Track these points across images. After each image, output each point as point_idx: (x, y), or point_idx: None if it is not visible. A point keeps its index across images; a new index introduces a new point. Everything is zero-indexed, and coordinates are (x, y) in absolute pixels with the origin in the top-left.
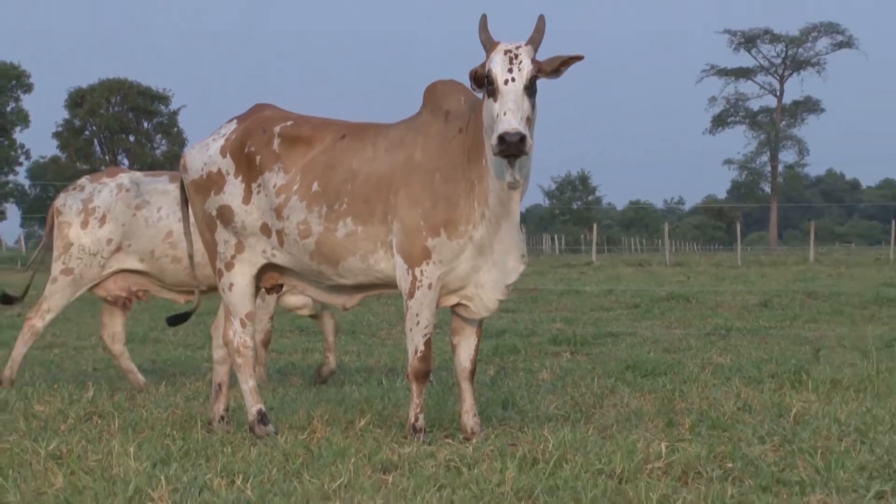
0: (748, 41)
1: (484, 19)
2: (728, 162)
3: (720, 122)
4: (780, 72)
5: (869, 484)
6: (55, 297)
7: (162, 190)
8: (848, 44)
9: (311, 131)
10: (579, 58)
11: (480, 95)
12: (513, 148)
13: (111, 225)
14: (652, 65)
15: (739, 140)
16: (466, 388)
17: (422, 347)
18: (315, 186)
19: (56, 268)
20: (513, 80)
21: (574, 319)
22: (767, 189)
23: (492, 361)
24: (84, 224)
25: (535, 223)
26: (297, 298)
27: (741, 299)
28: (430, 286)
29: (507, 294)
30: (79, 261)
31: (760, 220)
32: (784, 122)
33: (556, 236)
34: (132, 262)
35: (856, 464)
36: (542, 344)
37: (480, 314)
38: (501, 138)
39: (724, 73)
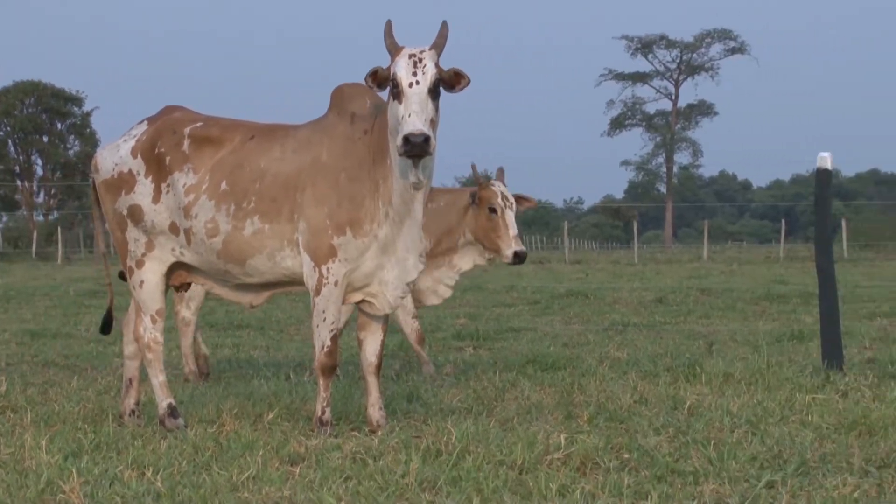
0: (645, 47)
1: (389, 25)
2: (625, 163)
3: (618, 124)
4: (675, 76)
5: (760, 474)
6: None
7: None
8: (740, 50)
9: (221, 132)
10: (468, 81)
11: (385, 96)
12: (417, 149)
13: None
14: (553, 69)
15: (636, 142)
16: (372, 382)
17: (328, 343)
18: (223, 185)
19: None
20: (417, 83)
21: (477, 315)
22: (663, 189)
23: (397, 356)
24: None
25: None
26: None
27: (637, 296)
28: (335, 283)
29: (407, 291)
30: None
31: (656, 219)
32: (679, 125)
33: None
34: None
35: (747, 454)
36: (446, 339)
37: (384, 310)
38: (406, 139)
39: (621, 77)
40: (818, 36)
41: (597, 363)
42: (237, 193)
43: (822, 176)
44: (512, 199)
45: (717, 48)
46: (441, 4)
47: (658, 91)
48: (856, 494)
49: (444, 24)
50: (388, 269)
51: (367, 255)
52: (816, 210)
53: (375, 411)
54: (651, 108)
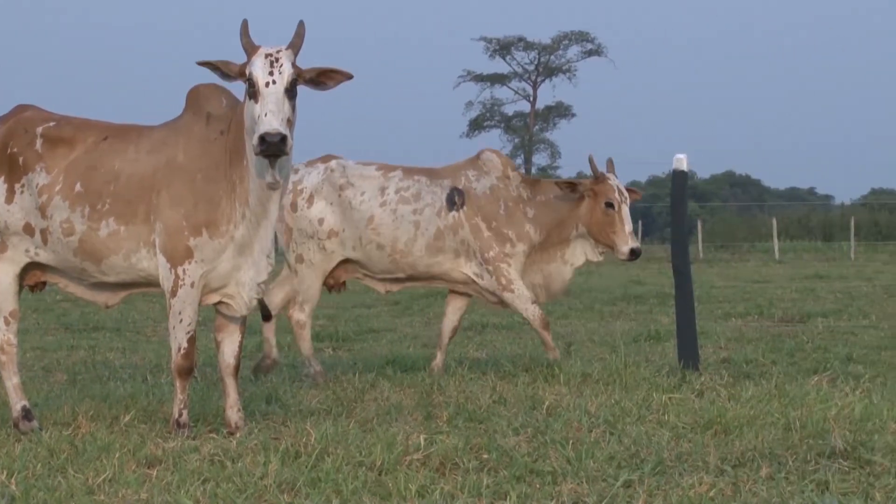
0: (503, 48)
1: (245, 24)
2: None
3: (477, 126)
4: (533, 78)
5: (617, 473)
6: (302, 286)
7: (368, 175)
8: (597, 52)
9: (74, 132)
10: (347, 76)
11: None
12: (273, 148)
13: (320, 205)
14: (411, 70)
15: (495, 143)
16: (230, 383)
17: (185, 344)
18: (78, 187)
19: (290, 257)
20: (273, 82)
21: (336, 316)
22: None
23: (255, 357)
24: (294, 207)
25: None
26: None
27: None
28: (192, 285)
29: (260, 292)
30: (303, 245)
31: None
32: (537, 127)
33: None
34: (348, 252)
35: (605, 454)
36: None
37: (241, 311)
38: (262, 138)
39: (480, 78)
40: (673, 38)
41: (456, 364)
42: (91, 195)
43: (678, 177)
44: (626, 194)
45: (574, 50)
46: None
47: (516, 92)
48: (711, 493)
49: (301, 24)
50: (244, 269)
51: (224, 256)
52: (672, 211)
53: (234, 413)
54: (510, 110)
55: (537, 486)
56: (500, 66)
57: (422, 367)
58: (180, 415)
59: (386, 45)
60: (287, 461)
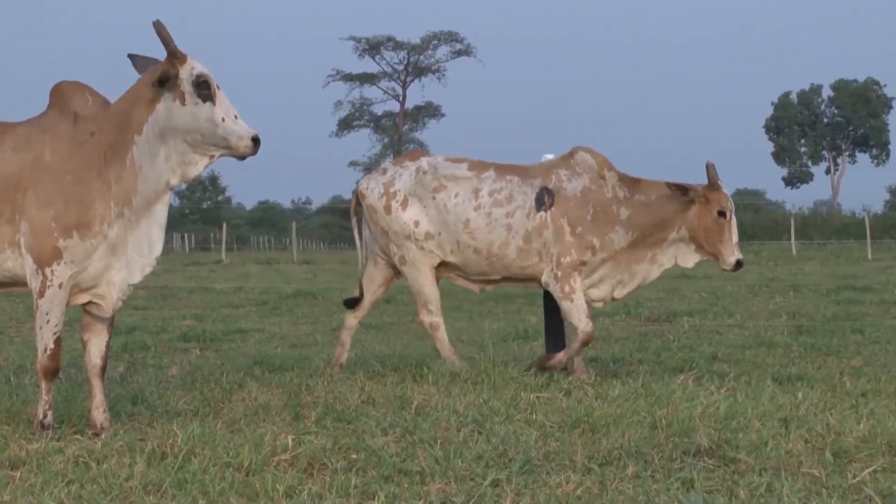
0: (372, 48)
1: (163, 26)
2: (353, 164)
3: (346, 125)
4: (402, 78)
5: (486, 472)
6: (416, 286)
7: (460, 175)
8: (466, 52)
9: None
10: None
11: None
12: (259, 146)
13: (414, 208)
14: (280, 68)
15: (364, 143)
16: (97, 384)
17: (51, 345)
18: None
19: (394, 260)
20: (219, 86)
21: (204, 316)
22: None
23: (122, 358)
24: (387, 209)
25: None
26: (599, 291)
27: None
28: (60, 286)
29: (128, 293)
30: (402, 247)
31: None
32: (407, 126)
33: (185, 235)
34: (446, 255)
35: (473, 453)
36: (172, 340)
37: (110, 312)
38: (256, 140)
39: (349, 78)
40: (541, 38)
41: (325, 364)
42: None
43: None
44: (733, 205)
45: (443, 50)
46: None
47: (386, 92)
48: (578, 492)
49: (157, 23)
50: (115, 269)
51: (95, 256)
52: None
53: (99, 414)
54: (379, 109)
55: (406, 485)
56: (369, 65)
57: (290, 367)
58: (45, 416)
59: (253, 42)
60: (153, 462)
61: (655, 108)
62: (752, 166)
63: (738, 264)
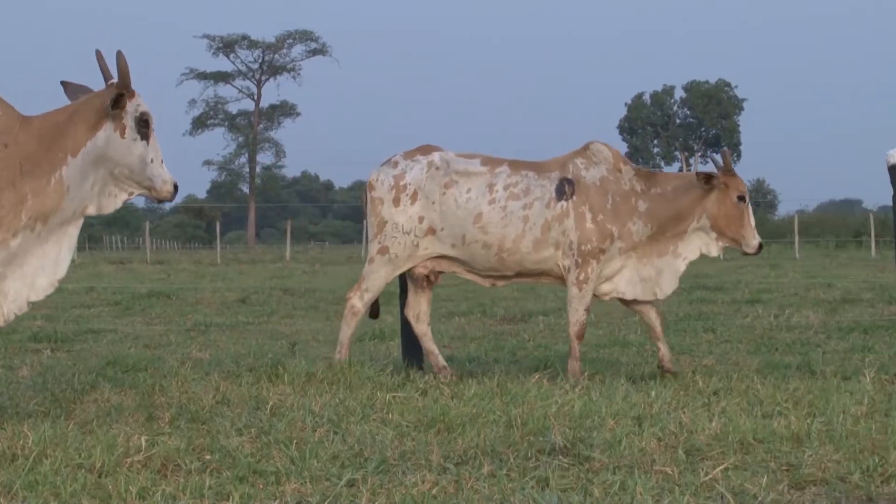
0: (227, 46)
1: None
2: (208, 163)
3: (200, 124)
4: (257, 76)
5: (341, 472)
6: (372, 276)
7: (473, 171)
8: (322, 51)
9: None
10: None
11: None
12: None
13: (422, 202)
14: (132, 66)
15: (219, 142)
16: None
17: None
18: None
19: (373, 247)
20: (153, 129)
21: (55, 317)
22: (246, 189)
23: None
24: (396, 202)
25: None
26: (607, 285)
27: (220, 296)
28: None
29: (26, 310)
30: (393, 239)
31: (240, 219)
32: (262, 126)
33: None
34: (445, 248)
35: (329, 453)
36: (23, 341)
37: (1, 323)
38: (176, 186)
39: (203, 76)
40: (398, 37)
41: (179, 364)
42: None
43: None
44: None
45: (298, 49)
46: None
47: (240, 91)
48: (434, 491)
49: (120, 54)
50: (10, 280)
51: None
52: None
53: None
54: (233, 108)
55: (261, 486)
56: (223, 64)
57: (143, 367)
58: None
59: (105, 38)
60: (3, 464)
61: (510, 107)
62: None
63: (760, 247)
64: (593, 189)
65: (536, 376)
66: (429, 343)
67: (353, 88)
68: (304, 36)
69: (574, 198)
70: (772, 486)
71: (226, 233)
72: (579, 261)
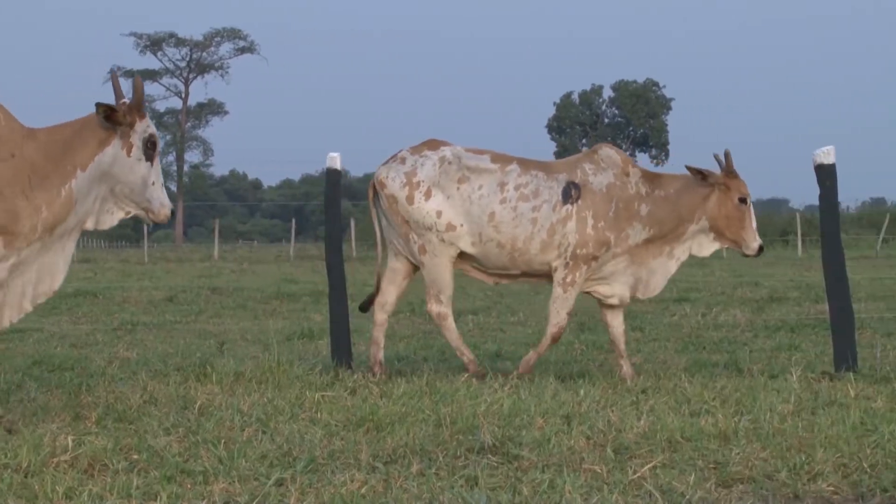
0: (154, 44)
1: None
2: None
3: None
4: (185, 75)
5: (270, 472)
6: (433, 276)
7: (484, 168)
8: (250, 49)
9: None
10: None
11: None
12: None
13: (438, 198)
14: (59, 64)
15: None
16: None
17: None
18: None
19: (413, 248)
20: (158, 153)
21: None
22: (174, 188)
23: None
24: (410, 199)
25: None
26: (607, 288)
27: (147, 295)
28: None
29: (21, 316)
30: (423, 236)
31: None
32: (189, 124)
33: None
34: (466, 246)
35: (257, 453)
36: None
37: None
38: (173, 212)
39: (130, 74)
40: (326, 36)
41: (106, 363)
42: None
43: (332, 176)
44: None
45: (227, 47)
46: None
47: (168, 89)
48: (363, 490)
49: (138, 79)
50: (10, 288)
51: None
52: (326, 210)
53: None
54: (161, 107)
55: (188, 486)
56: (151, 62)
57: (70, 366)
58: None
59: (31, 35)
60: None
61: (439, 106)
62: None
63: (761, 249)
64: (599, 195)
65: (465, 375)
66: (379, 334)
67: (281, 87)
68: (233, 34)
69: (579, 202)
70: (699, 484)
71: (153, 231)
72: (570, 263)
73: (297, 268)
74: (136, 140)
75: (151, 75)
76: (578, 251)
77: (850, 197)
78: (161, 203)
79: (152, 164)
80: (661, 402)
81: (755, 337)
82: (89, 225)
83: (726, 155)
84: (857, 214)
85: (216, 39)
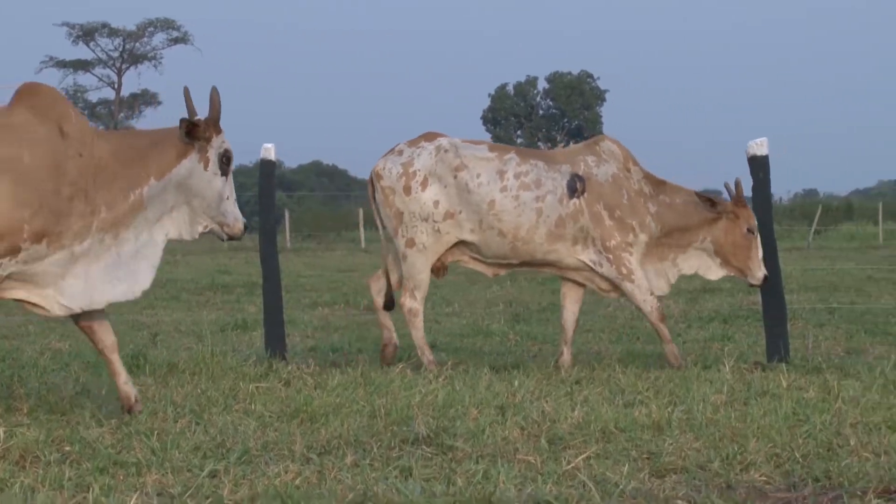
0: (87, 34)
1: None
2: None
3: None
4: (118, 65)
5: (203, 463)
6: (412, 271)
7: (482, 156)
8: (183, 39)
9: None
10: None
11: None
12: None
13: (435, 187)
14: None
15: None
16: (116, 359)
17: None
18: None
19: (400, 242)
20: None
21: None
22: None
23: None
24: (407, 190)
25: None
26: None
27: None
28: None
29: (93, 308)
30: (414, 229)
31: None
32: (122, 114)
33: None
34: (465, 234)
35: (191, 444)
36: None
37: (54, 314)
38: (246, 226)
39: (63, 64)
40: (261, 27)
41: (37, 355)
42: None
43: (266, 166)
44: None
45: (160, 37)
46: None
47: (101, 79)
48: (297, 481)
49: (214, 91)
50: (69, 279)
51: (49, 260)
52: (260, 201)
53: (129, 387)
54: (94, 97)
55: (121, 477)
56: (83, 52)
57: (1, 358)
58: None
59: None
60: None
61: (373, 100)
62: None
63: (766, 279)
64: (606, 186)
65: (400, 366)
66: (384, 318)
67: (215, 77)
68: (166, 24)
69: (586, 195)
70: (633, 475)
71: None
72: (611, 257)
73: (230, 259)
74: (213, 155)
75: (84, 66)
76: (609, 243)
77: (782, 188)
78: (235, 217)
79: (227, 179)
80: (596, 392)
81: (688, 328)
82: (172, 235)
83: (737, 184)
84: (789, 206)
85: (149, 30)
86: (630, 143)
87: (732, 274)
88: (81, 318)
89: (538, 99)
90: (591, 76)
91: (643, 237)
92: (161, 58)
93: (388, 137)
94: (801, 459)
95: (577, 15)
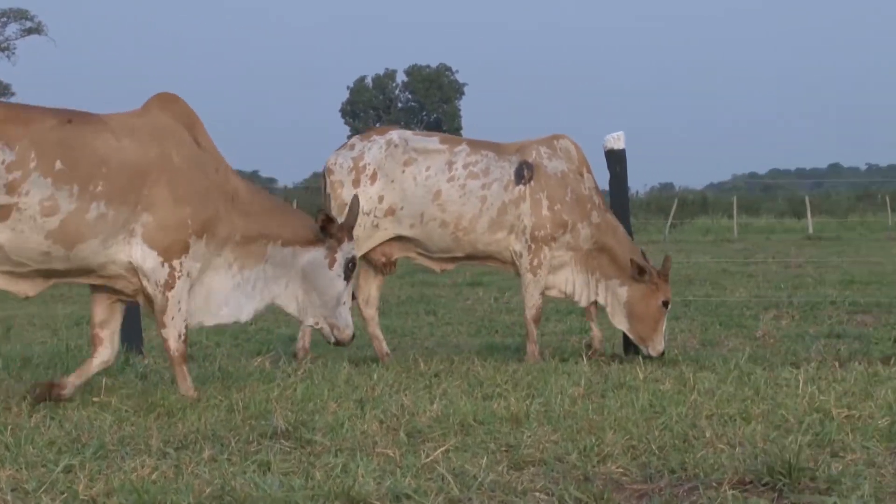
0: None
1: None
2: None
3: None
4: None
5: (58, 458)
6: None
7: (433, 148)
8: (38, 30)
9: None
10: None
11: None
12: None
13: (381, 182)
14: None
15: None
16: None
17: (184, 330)
18: (58, 165)
19: None
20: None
21: None
22: None
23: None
24: (356, 183)
25: None
26: (550, 278)
27: None
28: (187, 275)
29: (202, 325)
30: None
31: None
32: None
33: None
34: (404, 229)
35: (46, 439)
36: None
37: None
38: (354, 335)
39: None
40: (116, 20)
41: None
42: (81, 176)
43: None
44: None
45: (13, 28)
46: None
47: None
48: (154, 476)
49: (355, 199)
50: (194, 292)
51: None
52: None
53: None
54: None
55: None
56: None
57: None
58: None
59: None
60: None
61: (234, 94)
62: (331, 149)
63: (662, 354)
64: (554, 179)
65: (258, 360)
66: (374, 328)
67: (69, 69)
68: (19, 14)
69: (532, 183)
70: (491, 467)
71: None
72: (532, 247)
73: None
74: (340, 257)
75: None
76: (536, 233)
77: (639, 182)
78: (347, 323)
79: (347, 284)
80: (454, 385)
81: (547, 320)
82: (281, 304)
83: (666, 260)
84: (646, 199)
85: (2, 20)
86: (488, 136)
87: (632, 337)
88: (100, 326)
89: (397, 92)
90: (449, 69)
91: (569, 238)
92: (14, 48)
93: (246, 130)
94: (657, 451)
95: (437, 7)
